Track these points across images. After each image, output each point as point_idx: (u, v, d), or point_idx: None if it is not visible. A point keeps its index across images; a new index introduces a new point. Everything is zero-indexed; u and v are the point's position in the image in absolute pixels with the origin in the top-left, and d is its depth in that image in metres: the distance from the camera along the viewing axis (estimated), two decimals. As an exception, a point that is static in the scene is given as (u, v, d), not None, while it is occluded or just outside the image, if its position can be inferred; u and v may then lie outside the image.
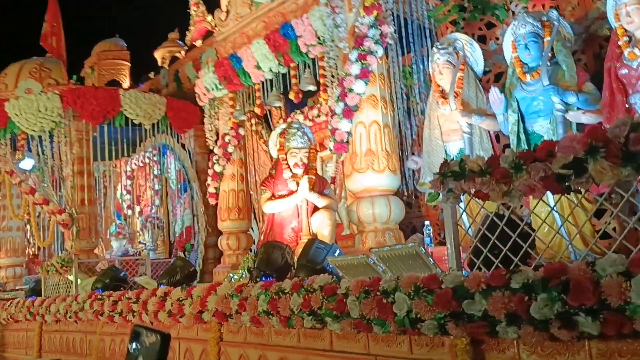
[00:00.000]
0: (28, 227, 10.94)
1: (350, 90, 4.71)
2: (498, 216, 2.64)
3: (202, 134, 9.84)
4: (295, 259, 4.00)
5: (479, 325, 2.27)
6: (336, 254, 3.65)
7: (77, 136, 8.33)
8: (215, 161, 7.48)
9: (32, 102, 7.95)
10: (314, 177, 4.90)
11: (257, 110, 6.94)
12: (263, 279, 3.73)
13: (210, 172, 7.52)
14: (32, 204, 8.72)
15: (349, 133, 4.77)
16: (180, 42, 13.16)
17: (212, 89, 7.31)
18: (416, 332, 2.51)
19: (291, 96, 6.36)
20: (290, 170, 4.82)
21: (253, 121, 8.67)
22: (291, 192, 4.78)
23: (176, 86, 10.25)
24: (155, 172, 10.17)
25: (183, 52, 11.69)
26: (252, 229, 8.04)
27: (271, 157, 8.50)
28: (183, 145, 9.84)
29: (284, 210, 4.81)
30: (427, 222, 4.42)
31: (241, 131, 7.53)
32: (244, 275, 6.56)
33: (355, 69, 4.70)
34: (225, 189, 7.46)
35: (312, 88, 6.24)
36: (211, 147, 7.73)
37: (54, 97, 8.06)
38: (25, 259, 10.77)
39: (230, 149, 7.45)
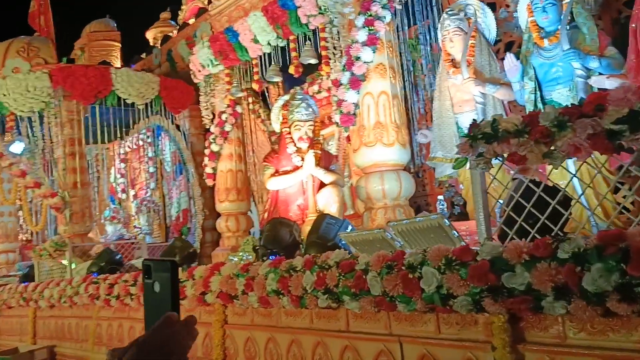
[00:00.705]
0: (21, 212, 10.61)
1: (357, 58, 4.42)
2: (534, 183, 2.38)
3: (197, 115, 9.51)
4: (304, 236, 3.74)
5: (521, 301, 2.02)
6: (348, 230, 3.39)
7: (67, 117, 7.98)
8: (212, 140, 7.18)
9: (20, 82, 7.60)
10: (319, 152, 4.59)
11: (255, 87, 6.62)
12: (270, 257, 3.47)
13: (207, 152, 7.22)
14: (24, 188, 8.38)
15: (356, 105, 4.48)
16: (172, 22, 12.81)
17: (208, 65, 6.99)
18: (447, 310, 2.26)
19: (291, 70, 6.05)
20: (295, 144, 4.51)
21: (250, 100, 8.36)
22: (296, 168, 4.47)
23: (169, 66, 9.91)
24: (150, 155, 9.85)
25: (175, 32, 11.32)
26: (250, 211, 7.77)
27: (269, 135, 8.24)
28: (178, 127, 9.53)
29: (289, 186, 4.51)
30: (440, 197, 4.17)
31: (238, 109, 7.22)
32: (244, 258, 6.32)
33: (362, 35, 4.40)
34: (223, 170, 7.17)
35: (313, 61, 5.94)
36: (207, 126, 7.42)
37: (42, 76, 7.71)
38: (18, 245, 10.44)
39: (227, 127, 7.15)
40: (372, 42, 4.42)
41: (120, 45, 12.62)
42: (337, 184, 4.44)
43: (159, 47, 10.60)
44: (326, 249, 3.28)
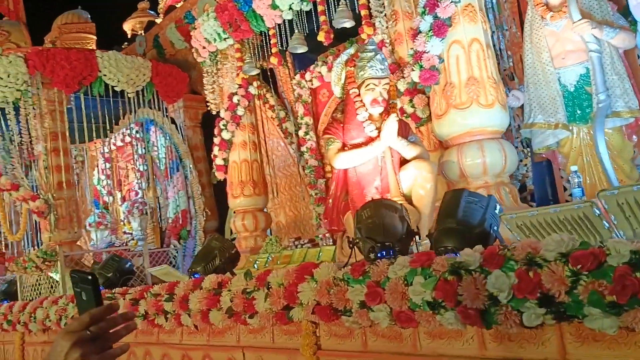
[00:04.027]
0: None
1: (444, -4, 3.35)
2: None
3: (192, 105, 8.29)
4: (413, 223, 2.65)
5: None
6: (496, 210, 2.31)
7: (48, 107, 6.63)
8: (222, 127, 6.00)
9: (-10, 68, 6.24)
10: (399, 119, 3.46)
11: (274, 61, 5.49)
12: (380, 254, 2.35)
13: (216, 140, 6.05)
14: (-2, 192, 6.97)
15: (440, 57, 3.42)
16: (151, 12, 11.50)
17: (214, 40, 5.85)
18: None
19: (321, 37, 4.97)
20: (367, 109, 3.37)
21: (255, 83, 7.17)
22: (370, 139, 3.33)
23: (157, 53, 8.61)
24: (140, 152, 8.52)
25: (158, 21, 10.03)
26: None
27: (280, 122, 7.06)
28: (172, 120, 8.27)
29: (362, 164, 3.34)
30: (573, 168, 3.14)
31: (252, 90, 6.08)
32: (269, 260, 5.21)
33: (448, -33, 3.34)
34: (237, 160, 6.02)
35: (349, 24, 4.88)
36: (214, 112, 6.26)
37: (17, 60, 6.36)
38: (-10, 259, 8.93)
39: (239, 111, 6.00)
40: (460, -24, 3.36)
41: (95, 37, 11.23)
42: (424, 158, 3.35)
43: (143, 35, 9.31)
44: (472, 239, 2.19)
